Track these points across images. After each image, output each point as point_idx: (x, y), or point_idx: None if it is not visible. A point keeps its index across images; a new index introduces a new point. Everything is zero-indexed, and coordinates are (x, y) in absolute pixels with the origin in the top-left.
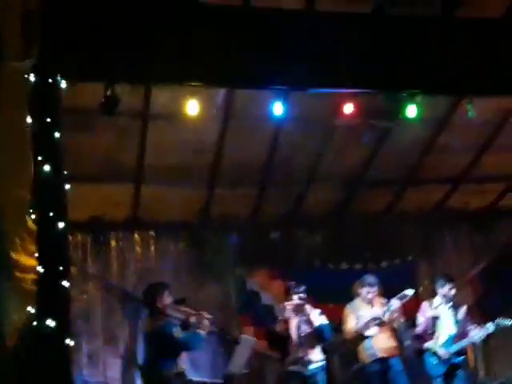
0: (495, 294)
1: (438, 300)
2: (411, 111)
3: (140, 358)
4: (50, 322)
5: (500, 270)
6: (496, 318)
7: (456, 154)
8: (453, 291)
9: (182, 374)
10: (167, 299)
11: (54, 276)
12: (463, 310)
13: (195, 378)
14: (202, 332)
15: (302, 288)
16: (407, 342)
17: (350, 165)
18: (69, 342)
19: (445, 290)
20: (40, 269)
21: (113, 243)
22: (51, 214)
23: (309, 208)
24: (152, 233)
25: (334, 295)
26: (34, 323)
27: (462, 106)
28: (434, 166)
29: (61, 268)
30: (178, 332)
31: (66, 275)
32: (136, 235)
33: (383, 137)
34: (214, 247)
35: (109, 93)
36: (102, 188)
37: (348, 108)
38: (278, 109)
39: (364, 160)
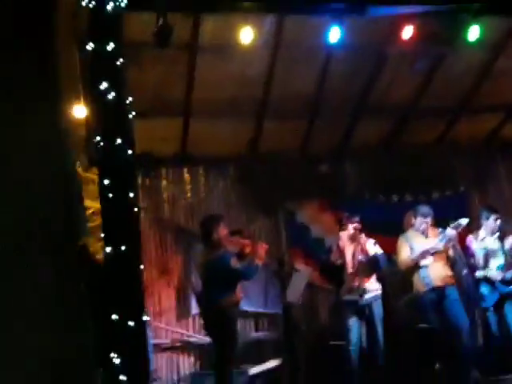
0: None
1: (483, 232)
2: (473, 33)
3: (196, 288)
4: (122, 247)
5: None
6: None
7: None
8: (498, 222)
9: (237, 304)
10: (223, 230)
11: (123, 202)
12: (510, 239)
13: (249, 309)
14: (258, 262)
15: (357, 218)
16: (464, 271)
17: (401, 94)
18: (141, 266)
19: (490, 221)
20: (110, 195)
21: (163, 178)
22: (119, 141)
23: (359, 140)
24: (201, 167)
25: (384, 227)
26: (108, 249)
27: None
28: (489, 93)
29: (131, 194)
30: (234, 262)
31: (135, 201)
32: (185, 170)
33: (437, 64)
34: (263, 181)
35: (161, 23)
36: (151, 123)
37: (407, 32)
38: (334, 35)
39: (416, 89)
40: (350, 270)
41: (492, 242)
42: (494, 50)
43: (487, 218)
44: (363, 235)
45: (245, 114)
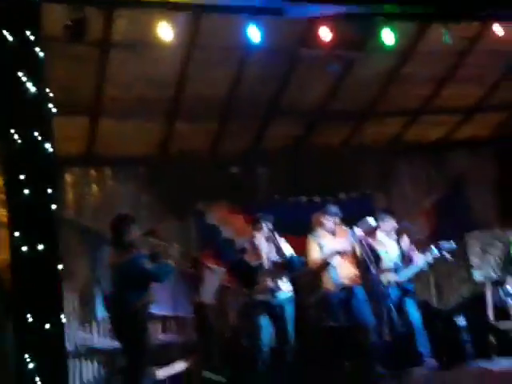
0: (448, 222)
1: (381, 234)
2: (388, 37)
3: (105, 291)
4: (39, 246)
5: (452, 200)
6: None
7: (417, 85)
8: (394, 224)
9: (148, 305)
10: (135, 231)
11: (41, 199)
12: (405, 239)
13: (157, 312)
14: (172, 263)
15: (271, 218)
16: (370, 271)
17: (311, 98)
18: (60, 266)
19: (385, 224)
20: (26, 191)
21: (68, 178)
22: (36, 133)
23: (269, 143)
24: (109, 168)
25: (294, 228)
26: (24, 248)
27: (430, 34)
28: (395, 97)
29: (49, 191)
30: (147, 263)
31: (53, 199)
32: (92, 170)
33: (347, 68)
34: (173, 182)
35: (76, 16)
36: (58, 121)
37: (322, 34)
38: (253, 33)
39: (325, 93)
40: (264, 270)
41: (389, 243)
42: (402, 55)
43: (383, 221)
44: (278, 235)
45: (156, 114)
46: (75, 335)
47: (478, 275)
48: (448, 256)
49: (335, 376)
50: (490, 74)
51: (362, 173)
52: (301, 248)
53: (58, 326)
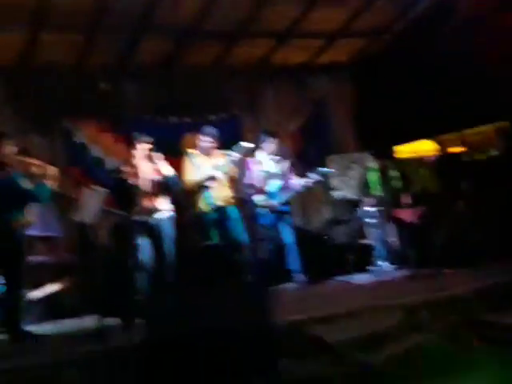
0: (313, 147)
1: (260, 155)
2: None
3: None
4: None
5: (316, 124)
6: (315, 168)
7: (287, 7)
8: (274, 146)
9: (27, 226)
10: (9, 148)
11: None
12: (286, 162)
13: (31, 232)
14: (49, 183)
15: (146, 138)
16: (245, 193)
17: (184, 15)
18: None
19: (267, 145)
20: None
21: None
22: None
23: (139, 58)
24: None
25: (164, 148)
26: None
27: None
28: (266, 19)
29: None
30: (25, 182)
31: None
32: None
33: None
34: (38, 97)
35: None
36: None
37: None
38: None
39: (199, 10)
40: (143, 190)
41: (270, 165)
42: None
43: (265, 142)
44: (157, 155)
45: (19, 23)
46: None
47: (337, 196)
48: (322, 179)
49: (213, 293)
50: None
51: (229, 94)
52: (173, 167)
53: None
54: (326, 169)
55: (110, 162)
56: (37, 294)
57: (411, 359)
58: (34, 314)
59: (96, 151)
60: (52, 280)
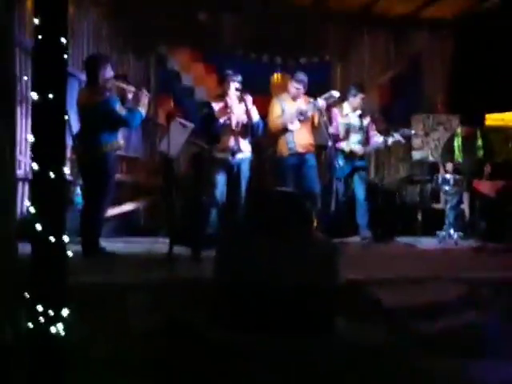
0: (399, 102)
1: (347, 107)
2: None
3: (72, 130)
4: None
5: (407, 79)
6: (398, 127)
7: None
8: (360, 100)
9: (119, 149)
10: (109, 73)
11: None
12: (368, 118)
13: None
14: (142, 109)
15: (239, 77)
16: (327, 142)
17: None
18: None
19: (356, 99)
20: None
21: None
22: None
23: None
24: None
25: (253, 85)
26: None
27: None
28: None
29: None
30: (119, 107)
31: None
32: None
33: None
34: (136, 19)
35: None
36: None
37: None
38: None
39: None
40: (228, 129)
41: (354, 118)
42: None
43: (354, 96)
44: (249, 98)
45: None
46: None
47: (417, 156)
48: (403, 141)
49: (279, 242)
50: None
51: (325, 38)
52: (260, 107)
53: (61, 176)
54: (407, 130)
55: (200, 93)
56: (115, 210)
57: (464, 336)
58: (109, 229)
59: (187, 80)
60: (130, 199)
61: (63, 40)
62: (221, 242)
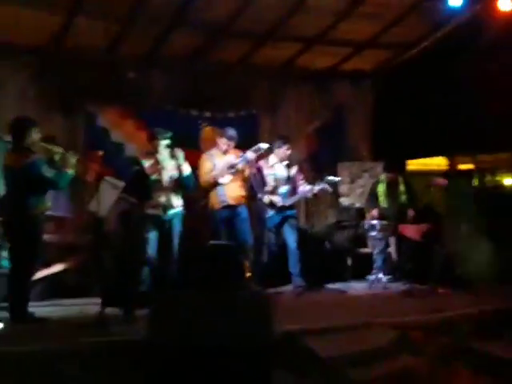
0: (325, 149)
1: (273, 159)
2: None
3: None
4: None
5: (332, 129)
6: (324, 175)
7: (318, 16)
8: (288, 152)
9: (45, 212)
10: (36, 135)
11: None
12: (295, 168)
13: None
14: (69, 171)
15: (168, 134)
16: (256, 193)
17: (217, 13)
18: None
19: (281, 150)
20: None
21: None
22: None
23: (168, 51)
24: None
25: (183, 139)
26: None
27: None
28: (295, 24)
29: None
30: (46, 169)
31: None
32: None
33: None
34: (65, 78)
35: None
36: None
37: None
38: None
39: (232, 11)
40: (159, 185)
41: (281, 169)
42: None
43: (279, 147)
44: (181, 153)
45: (56, 6)
46: None
47: (344, 202)
48: (330, 189)
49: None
50: (386, 13)
51: (251, 93)
52: (190, 160)
53: None
54: (334, 178)
55: (130, 149)
56: (43, 272)
57: (398, 380)
58: (38, 292)
59: (117, 136)
60: (59, 259)
61: None
62: (154, 300)
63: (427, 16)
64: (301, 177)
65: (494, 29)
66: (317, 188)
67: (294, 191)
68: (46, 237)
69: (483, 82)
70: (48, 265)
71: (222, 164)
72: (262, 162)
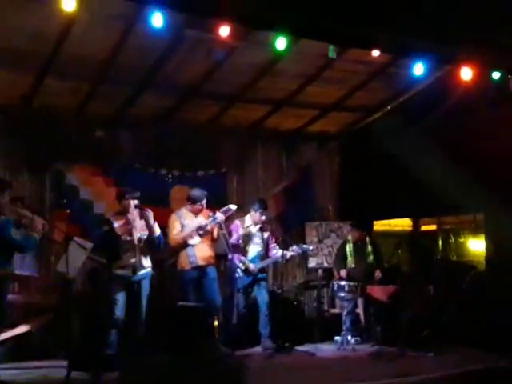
0: (293, 208)
1: (248, 220)
2: (280, 44)
3: None
4: None
5: (299, 187)
6: (295, 240)
7: (286, 80)
8: (263, 217)
9: (11, 275)
10: (5, 198)
11: None
12: (268, 231)
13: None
14: (36, 235)
15: (137, 194)
16: (227, 253)
17: (187, 75)
18: None
19: (257, 214)
20: None
21: None
22: None
23: (137, 110)
24: None
25: (152, 198)
26: None
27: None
28: (264, 87)
29: None
30: (14, 232)
31: None
32: None
33: (227, 55)
34: (33, 137)
35: None
36: None
37: (224, 31)
38: (157, 20)
39: (202, 73)
40: (128, 245)
41: (254, 231)
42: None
43: (256, 211)
44: (151, 213)
45: (27, 67)
46: None
47: (312, 263)
48: (301, 254)
49: (180, 358)
50: (352, 78)
51: (220, 152)
52: (158, 219)
53: None
54: (305, 246)
55: (99, 206)
56: (7, 334)
57: None
58: (1, 354)
59: (86, 194)
60: (23, 320)
61: None
62: (122, 364)
63: (390, 82)
64: (273, 240)
65: (456, 95)
66: (289, 254)
67: (265, 254)
68: (10, 297)
69: (447, 146)
70: (12, 326)
71: (192, 225)
72: (237, 222)
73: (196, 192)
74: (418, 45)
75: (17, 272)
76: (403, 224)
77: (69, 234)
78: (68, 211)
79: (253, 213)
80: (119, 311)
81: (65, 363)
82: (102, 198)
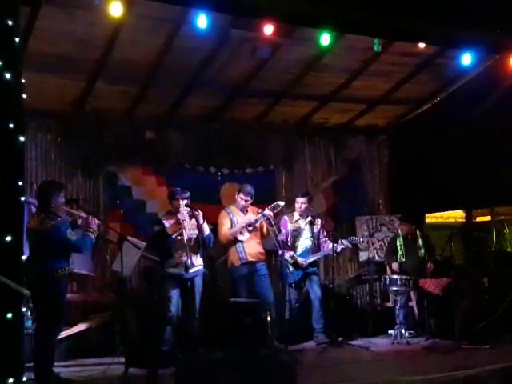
0: (344, 203)
1: (297, 215)
2: (325, 39)
3: None
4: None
5: (349, 182)
6: (346, 234)
7: (332, 75)
8: (303, 206)
9: (68, 275)
10: (61, 199)
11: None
12: (319, 224)
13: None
14: (91, 235)
15: (187, 194)
16: (276, 249)
17: (233, 74)
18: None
19: (303, 206)
20: None
21: None
22: (11, 125)
23: (185, 111)
24: None
25: (202, 196)
26: None
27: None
28: (309, 83)
29: (19, 183)
30: (70, 233)
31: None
32: None
33: (272, 52)
34: (86, 140)
35: None
36: None
37: (268, 29)
38: (202, 22)
39: (248, 71)
40: (183, 245)
41: (303, 225)
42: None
43: (302, 203)
44: (200, 213)
45: (78, 73)
46: None
47: (363, 257)
48: (351, 247)
49: (234, 354)
50: (398, 70)
51: (268, 149)
52: (209, 216)
53: (18, 316)
54: (355, 238)
55: (152, 205)
56: (66, 332)
57: None
58: (62, 351)
59: (139, 194)
60: (81, 318)
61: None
62: (178, 360)
63: (438, 73)
64: (324, 233)
65: (506, 84)
66: (339, 247)
67: (316, 248)
68: (69, 296)
69: (498, 136)
70: (72, 324)
71: (241, 221)
72: (286, 217)
73: (247, 187)
74: (464, 35)
75: (75, 270)
76: (456, 216)
77: (122, 233)
78: (121, 211)
79: (298, 205)
80: (173, 308)
81: (122, 360)
82: (155, 197)
